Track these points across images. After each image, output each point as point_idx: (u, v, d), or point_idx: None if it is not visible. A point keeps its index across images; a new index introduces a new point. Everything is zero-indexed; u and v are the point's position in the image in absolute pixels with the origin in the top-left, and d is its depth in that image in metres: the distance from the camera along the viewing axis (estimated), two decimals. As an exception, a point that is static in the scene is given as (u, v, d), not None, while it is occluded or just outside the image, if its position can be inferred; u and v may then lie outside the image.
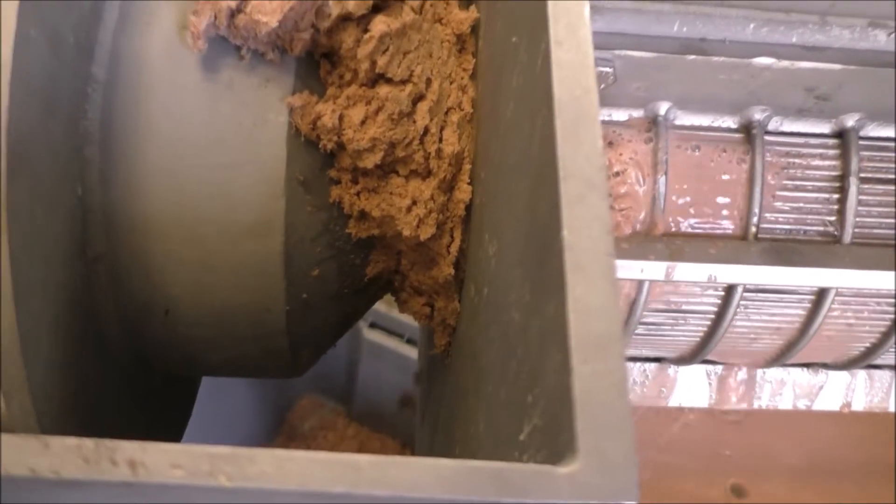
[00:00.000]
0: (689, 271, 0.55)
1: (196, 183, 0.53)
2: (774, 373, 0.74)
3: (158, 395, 0.66)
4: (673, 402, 0.75)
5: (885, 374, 0.75)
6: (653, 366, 0.73)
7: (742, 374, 0.74)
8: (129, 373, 0.59)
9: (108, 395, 0.56)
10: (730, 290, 0.59)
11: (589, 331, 0.25)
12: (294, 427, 1.95)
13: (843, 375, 0.75)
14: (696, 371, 0.74)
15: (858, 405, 0.76)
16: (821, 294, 0.59)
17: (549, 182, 0.30)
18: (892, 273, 0.56)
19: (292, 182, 0.54)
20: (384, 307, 1.70)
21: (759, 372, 0.74)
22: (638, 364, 0.73)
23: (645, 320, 0.62)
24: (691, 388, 0.74)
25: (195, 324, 0.57)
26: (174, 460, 0.22)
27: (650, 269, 0.54)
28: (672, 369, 0.73)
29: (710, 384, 0.74)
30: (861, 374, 0.75)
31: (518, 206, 0.37)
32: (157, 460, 0.21)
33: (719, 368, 0.74)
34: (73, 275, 0.51)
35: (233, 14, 0.51)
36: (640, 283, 0.58)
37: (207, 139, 0.53)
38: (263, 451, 0.22)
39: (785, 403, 0.76)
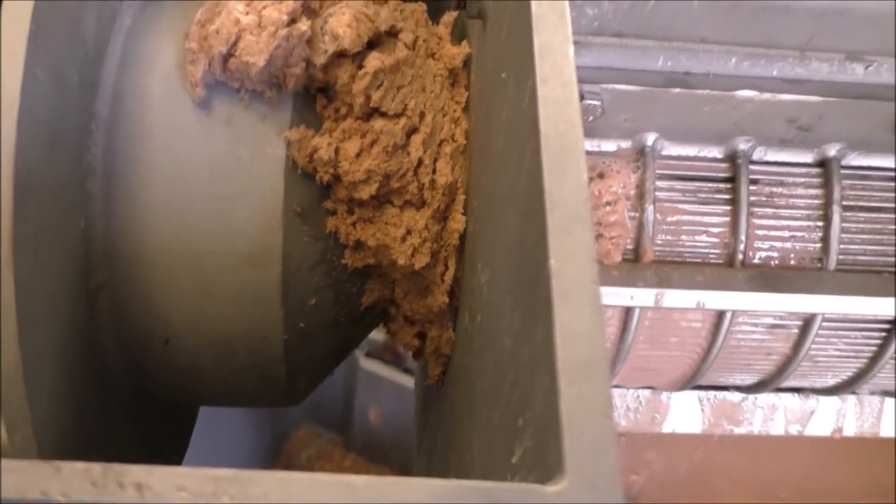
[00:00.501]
0: (677, 298, 0.56)
1: (196, 215, 0.54)
2: (766, 398, 0.75)
3: (157, 425, 0.67)
4: (666, 428, 0.76)
5: (875, 399, 0.76)
6: (646, 392, 0.74)
7: (734, 399, 0.75)
8: (130, 402, 0.60)
9: (108, 424, 0.57)
10: (719, 316, 0.60)
11: (575, 355, 0.27)
12: (291, 458, 1.94)
13: (833, 401, 0.76)
14: (689, 397, 0.75)
15: (849, 430, 0.77)
16: (808, 320, 0.61)
17: (537, 214, 0.32)
18: (877, 299, 0.57)
19: (289, 214, 0.55)
20: (381, 336, 1.71)
21: (751, 397, 0.75)
22: (631, 391, 0.74)
23: (636, 347, 0.63)
24: (684, 413, 0.75)
25: (195, 353, 0.58)
26: (179, 483, 0.23)
27: (640, 296, 0.56)
28: (665, 395, 0.74)
29: (702, 410, 0.75)
30: (851, 399, 0.76)
31: (509, 237, 0.38)
32: (163, 483, 0.22)
33: (711, 395, 0.75)
34: (75, 305, 0.52)
35: (225, 59, 0.53)
36: (630, 309, 0.59)
37: (206, 173, 0.55)
38: (265, 472, 0.24)
39: (777, 429, 0.77)
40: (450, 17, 0.63)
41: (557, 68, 0.35)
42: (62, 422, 0.50)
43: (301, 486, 0.23)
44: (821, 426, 0.77)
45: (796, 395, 0.75)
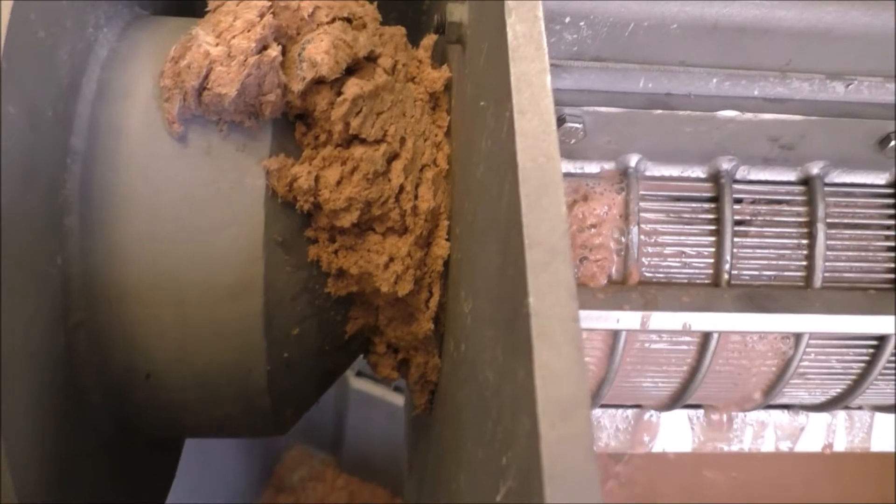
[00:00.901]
0: (664, 320, 0.56)
1: (175, 248, 0.54)
2: (756, 415, 0.75)
3: (141, 459, 0.66)
4: (656, 447, 0.75)
5: (865, 415, 0.76)
6: (634, 412, 0.73)
7: (724, 417, 0.75)
8: (111, 438, 0.59)
9: (89, 462, 0.56)
10: (706, 336, 0.59)
11: (555, 396, 0.26)
12: (283, 479, 1.93)
13: (823, 417, 0.75)
14: (678, 416, 0.74)
15: (840, 446, 0.77)
16: (796, 338, 0.60)
17: (516, 248, 0.31)
18: (864, 317, 0.57)
19: (271, 243, 0.55)
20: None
21: (741, 415, 0.74)
22: (620, 410, 0.73)
23: (623, 370, 0.62)
24: (673, 433, 0.75)
25: (177, 387, 0.57)
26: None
27: (626, 319, 0.55)
28: (654, 415, 0.74)
29: (692, 429, 0.75)
30: (841, 414, 0.76)
31: (490, 268, 0.38)
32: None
33: (700, 413, 0.75)
34: (53, 344, 0.51)
35: (199, 92, 0.53)
36: (617, 332, 0.59)
37: (186, 205, 0.54)
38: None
39: (767, 446, 0.76)
40: (430, 40, 0.63)
41: (535, 99, 0.35)
42: (41, 462, 0.49)
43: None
44: (811, 442, 0.77)
45: (786, 411, 0.75)
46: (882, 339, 0.61)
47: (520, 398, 0.29)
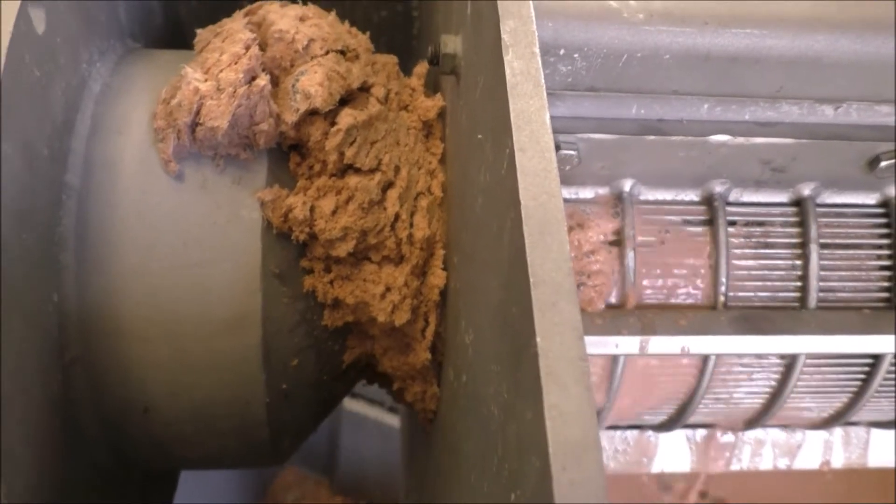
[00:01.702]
0: (662, 344, 0.56)
1: (171, 283, 0.54)
2: (753, 433, 0.75)
3: (138, 492, 0.66)
4: (655, 468, 0.75)
5: (861, 431, 0.76)
6: (633, 433, 0.73)
7: (722, 437, 0.75)
8: (108, 472, 0.59)
9: (86, 494, 0.56)
10: (704, 359, 0.60)
11: (566, 438, 0.26)
12: (277, 500, 1.91)
13: (820, 433, 0.76)
14: (677, 436, 0.75)
15: (837, 462, 0.77)
16: (792, 358, 0.61)
17: (521, 286, 0.31)
18: (858, 337, 0.57)
19: (268, 275, 0.55)
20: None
21: (739, 434, 0.74)
22: (619, 432, 0.73)
23: (622, 392, 0.63)
24: (673, 453, 0.75)
25: (174, 420, 0.56)
26: None
27: (624, 344, 0.55)
28: (653, 436, 0.74)
29: (690, 449, 0.75)
30: (838, 430, 0.76)
31: (491, 302, 0.38)
32: None
33: (699, 433, 0.75)
34: (49, 381, 0.51)
35: (192, 129, 0.53)
36: (614, 361, 0.59)
37: (182, 239, 0.54)
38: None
39: (765, 464, 0.76)
40: (422, 68, 0.63)
41: (535, 136, 0.35)
42: (39, 494, 0.49)
43: None
44: (809, 459, 0.77)
45: (783, 429, 0.75)
46: (878, 358, 0.61)
47: (527, 438, 0.29)
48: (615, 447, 0.74)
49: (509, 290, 0.34)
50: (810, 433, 0.75)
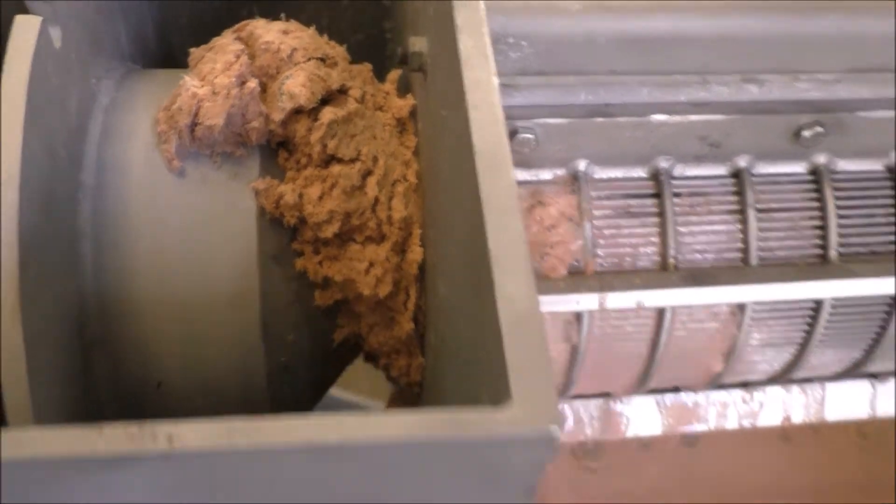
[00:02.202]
0: (619, 300, 0.62)
1: (179, 268, 0.60)
2: (717, 396, 0.81)
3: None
4: (630, 433, 0.81)
5: (817, 388, 0.83)
6: (603, 400, 0.80)
7: (688, 399, 0.81)
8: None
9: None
10: (660, 314, 0.66)
11: (514, 312, 0.33)
12: None
13: (779, 393, 0.82)
14: (647, 402, 0.81)
15: (797, 418, 0.84)
16: (740, 310, 0.67)
17: (477, 212, 0.38)
18: (795, 284, 0.64)
19: (264, 257, 0.61)
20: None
21: (703, 395, 0.81)
22: (592, 401, 0.80)
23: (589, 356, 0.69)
24: (643, 417, 0.81)
25: (186, 395, 0.62)
26: (201, 431, 0.28)
27: (585, 301, 0.62)
28: (624, 402, 0.80)
29: (660, 413, 0.81)
30: (795, 389, 0.83)
31: (458, 238, 0.45)
32: (188, 432, 0.28)
33: (667, 398, 0.81)
34: (73, 360, 0.57)
35: (192, 129, 0.60)
36: (580, 317, 0.65)
37: (186, 229, 0.60)
38: (269, 419, 0.29)
39: (731, 424, 0.83)
40: (395, 74, 0.70)
41: (485, 97, 0.42)
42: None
43: (297, 427, 0.29)
44: (771, 417, 0.83)
45: (745, 390, 0.82)
46: (819, 304, 0.68)
47: (486, 321, 0.35)
48: (590, 414, 0.80)
49: (470, 219, 0.41)
50: (771, 393, 0.82)
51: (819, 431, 0.87)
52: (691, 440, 0.85)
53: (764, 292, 0.64)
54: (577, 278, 0.64)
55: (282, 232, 0.63)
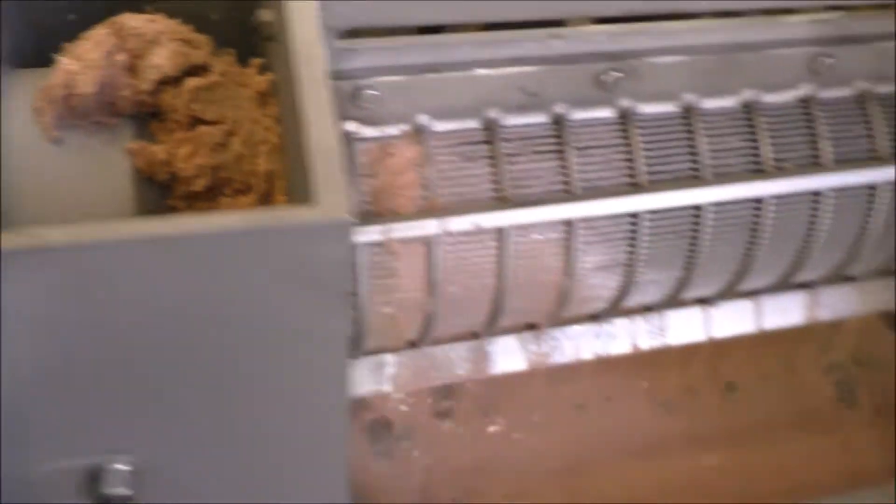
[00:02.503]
0: (459, 223, 0.72)
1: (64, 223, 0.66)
2: (571, 330, 0.92)
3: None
4: (497, 370, 0.91)
5: (656, 317, 0.94)
6: (470, 342, 0.89)
7: (546, 334, 0.91)
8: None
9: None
10: (499, 234, 0.76)
11: (319, 143, 0.42)
12: None
13: (625, 324, 0.93)
14: (510, 341, 0.91)
15: (644, 345, 0.95)
16: (568, 229, 0.78)
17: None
18: (611, 200, 0.76)
19: (141, 213, 0.68)
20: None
21: (558, 331, 0.91)
22: (459, 343, 0.89)
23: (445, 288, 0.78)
24: (508, 355, 0.90)
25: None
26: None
27: (430, 226, 0.72)
28: (489, 343, 0.89)
29: (523, 349, 0.91)
30: (639, 318, 0.94)
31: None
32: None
33: (527, 334, 0.91)
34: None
35: (66, 100, 0.67)
36: (428, 246, 0.75)
37: (69, 192, 0.67)
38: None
39: (586, 354, 0.93)
40: (256, 61, 0.80)
41: (309, 50, 0.52)
42: None
43: (137, 226, 0.37)
44: (621, 346, 0.94)
45: (595, 323, 0.92)
46: (635, 221, 0.80)
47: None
48: (460, 355, 0.89)
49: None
50: (619, 324, 0.93)
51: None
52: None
53: (585, 209, 0.75)
54: (425, 211, 0.74)
55: (154, 189, 0.70)
